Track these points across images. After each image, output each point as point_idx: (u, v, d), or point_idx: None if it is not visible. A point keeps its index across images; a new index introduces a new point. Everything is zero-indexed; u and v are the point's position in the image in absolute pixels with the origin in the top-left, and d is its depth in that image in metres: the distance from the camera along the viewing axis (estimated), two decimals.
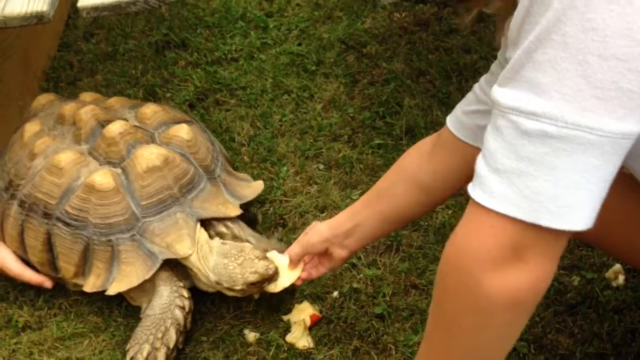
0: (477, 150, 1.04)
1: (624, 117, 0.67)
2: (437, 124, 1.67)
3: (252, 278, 1.25)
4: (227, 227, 1.39)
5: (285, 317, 1.36)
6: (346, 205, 1.56)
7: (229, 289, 1.28)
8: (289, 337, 1.32)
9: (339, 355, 1.30)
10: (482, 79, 1.07)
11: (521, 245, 0.70)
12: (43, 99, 1.63)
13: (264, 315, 1.37)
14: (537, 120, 0.68)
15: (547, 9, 0.68)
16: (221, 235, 1.38)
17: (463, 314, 0.76)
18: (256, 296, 1.34)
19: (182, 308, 1.28)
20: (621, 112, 0.67)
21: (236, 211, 1.39)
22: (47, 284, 1.41)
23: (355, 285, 1.40)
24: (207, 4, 2.14)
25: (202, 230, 1.35)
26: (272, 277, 1.25)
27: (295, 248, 1.26)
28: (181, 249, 1.30)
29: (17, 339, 1.37)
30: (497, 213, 0.70)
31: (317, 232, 1.23)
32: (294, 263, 1.27)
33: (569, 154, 0.68)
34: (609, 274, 1.37)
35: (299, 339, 1.31)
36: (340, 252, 1.22)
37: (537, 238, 0.70)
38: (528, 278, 0.71)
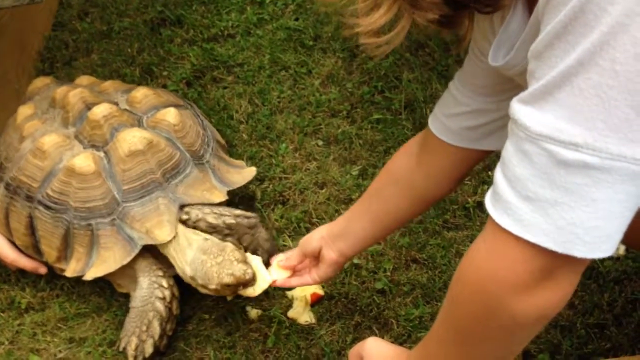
0: (467, 150, 1.03)
1: None
2: (436, 97, 1.66)
3: (228, 280, 1.21)
4: (203, 212, 1.35)
5: (288, 293, 1.36)
6: (346, 181, 1.57)
7: (202, 286, 1.25)
8: (291, 313, 1.33)
9: (340, 330, 1.31)
10: (456, 77, 1.02)
11: (552, 269, 0.68)
12: (39, 82, 1.62)
13: (266, 292, 1.37)
14: (577, 151, 0.64)
15: (592, 30, 0.62)
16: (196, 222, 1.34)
17: (484, 331, 0.74)
18: (229, 298, 1.32)
19: (163, 299, 1.27)
20: None
21: (221, 197, 1.37)
22: (42, 269, 1.42)
23: (356, 261, 1.41)
24: None
25: (181, 225, 1.32)
26: (248, 282, 1.22)
27: (294, 252, 1.25)
28: (160, 234, 1.29)
29: (20, 321, 1.38)
30: (527, 241, 0.67)
31: (316, 230, 1.23)
32: (288, 263, 1.24)
33: (611, 185, 0.64)
34: None
35: (301, 314, 1.32)
36: (330, 254, 1.19)
37: (567, 261, 0.68)
38: (558, 295, 0.70)
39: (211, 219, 1.33)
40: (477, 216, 1.46)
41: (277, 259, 1.26)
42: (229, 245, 1.25)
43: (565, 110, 0.64)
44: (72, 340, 1.34)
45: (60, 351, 1.32)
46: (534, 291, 0.69)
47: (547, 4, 0.67)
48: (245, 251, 1.31)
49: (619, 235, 0.68)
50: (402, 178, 1.11)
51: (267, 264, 1.28)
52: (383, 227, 1.17)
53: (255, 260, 1.26)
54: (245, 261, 1.23)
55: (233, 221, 1.34)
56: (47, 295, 1.42)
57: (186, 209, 1.34)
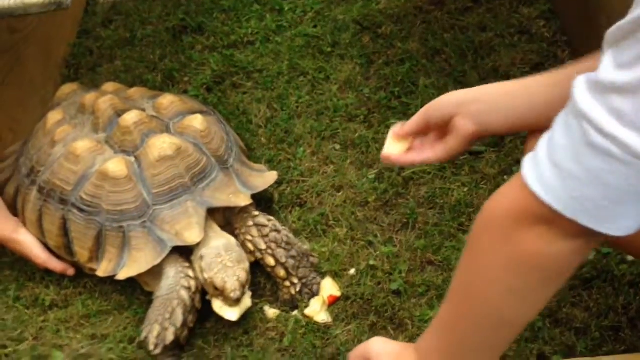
0: None
1: None
2: None
3: (218, 282, 1.28)
4: (268, 219, 1.41)
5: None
6: (362, 185, 1.59)
7: (200, 269, 1.32)
8: (308, 311, 1.35)
9: (356, 330, 1.33)
10: None
11: (554, 220, 0.75)
12: (67, 88, 1.66)
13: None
14: (606, 139, 0.69)
15: None
16: (260, 228, 1.39)
17: (493, 267, 0.80)
18: (213, 305, 1.33)
19: (188, 288, 1.31)
20: None
21: (247, 201, 1.41)
22: (70, 271, 1.46)
23: (372, 262, 1.43)
24: None
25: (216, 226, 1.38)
26: (231, 300, 1.27)
27: (415, 116, 1.07)
28: (189, 236, 1.33)
29: (45, 317, 1.42)
30: (539, 197, 0.74)
31: (448, 95, 1.04)
32: (406, 130, 1.07)
33: (627, 178, 0.69)
34: None
35: (318, 313, 1.34)
36: (465, 124, 1.00)
37: (570, 223, 0.74)
38: (557, 246, 0.76)
39: (284, 235, 1.39)
40: None
41: (393, 128, 1.10)
42: (245, 267, 1.32)
43: (609, 105, 0.68)
44: (94, 336, 1.37)
45: (82, 347, 1.36)
46: (534, 228, 0.75)
47: None
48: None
49: (629, 219, 0.72)
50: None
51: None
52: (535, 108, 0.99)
53: (248, 297, 1.32)
54: (243, 286, 1.29)
55: (300, 250, 1.39)
56: (71, 293, 1.45)
57: (261, 216, 1.40)
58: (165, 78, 1.89)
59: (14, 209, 1.50)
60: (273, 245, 1.37)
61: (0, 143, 1.64)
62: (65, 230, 1.42)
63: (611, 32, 0.70)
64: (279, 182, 1.59)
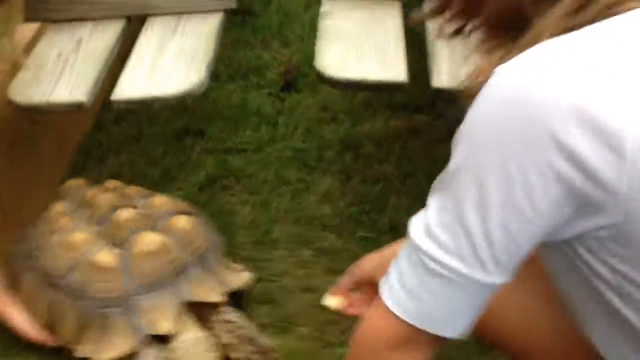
0: None
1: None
2: None
3: None
4: (236, 316, 1.56)
5: None
6: (330, 289, 1.75)
7: None
8: None
9: None
10: None
11: (416, 337, 0.90)
12: (72, 182, 1.84)
13: None
14: (437, 265, 0.87)
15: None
16: (226, 323, 1.54)
17: None
18: None
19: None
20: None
21: (220, 297, 1.56)
22: (50, 340, 1.58)
23: None
24: (227, 98, 2.41)
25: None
26: None
27: (344, 278, 1.29)
28: (162, 326, 1.49)
29: None
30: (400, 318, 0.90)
31: (368, 258, 1.25)
32: (339, 292, 1.30)
33: (460, 294, 0.87)
34: None
35: None
36: None
37: (426, 334, 0.90)
38: (419, 357, 0.92)
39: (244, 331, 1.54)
40: None
41: (329, 291, 1.32)
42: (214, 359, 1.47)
43: (440, 242, 0.86)
44: None
45: None
46: (403, 349, 0.90)
47: None
48: None
49: (465, 322, 0.90)
50: None
51: None
52: None
53: None
54: None
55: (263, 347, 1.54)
56: None
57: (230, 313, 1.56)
58: (163, 174, 2.09)
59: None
60: (236, 340, 1.52)
61: (7, 219, 1.82)
62: (52, 311, 1.57)
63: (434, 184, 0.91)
64: (253, 280, 1.76)
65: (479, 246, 0.84)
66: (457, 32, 0.95)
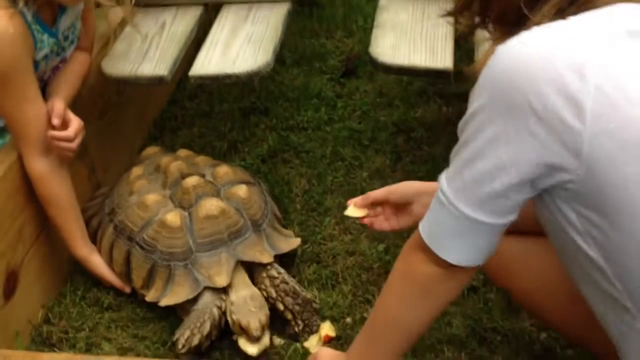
0: None
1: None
2: None
3: (243, 322, 1.59)
4: (279, 273, 1.73)
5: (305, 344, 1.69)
6: (371, 254, 1.92)
7: (230, 311, 1.63)
8: (306, 344, 1.67)
9: None
10: None
11: (426, 248, 1.09)
12: (150, 149, 2.07)
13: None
14: (443, 196, 1.07)
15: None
16: (272, 279, 1.72)
17: (394, 280, 1.16)
18: (239, 343, 1.63)
19: (219, 307, 1.65)
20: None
21: (269, 259, 1.73)
22: (126, 289, 1.82)
23: (365, 315, 1.73)
24: (291, 81, 2.59)
25: (246, 276, 1.71)
26: (252, 336, 1.58)
27: (378, 192, 1.44)
28: (218, 280, 1.67)
29: (101, 315, 1.78)
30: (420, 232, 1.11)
31: (408, 184, 1.42)
32: (364, 202, 1.44)
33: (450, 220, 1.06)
34: None
35: (314, 346, 1.65)
36: (420, 212, 1.32)
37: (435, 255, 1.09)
38: (431, 268, 1.10)
39: (291, 286, 1.72)
40: (470, 296, 1.77)
41: (354, 200, 1.46)
42: (266, 312, 1.64)
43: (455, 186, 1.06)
44: (136, 336, 1.72)
45: (126, 342, 1.71)
46: (418, 252, 1.10)
47: None
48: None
49: (457, 254, 1.07)
50: None
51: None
52: None
53: (267, 337, 1.63)
54: (263, 328, 1.61)
55: (305, 298, 1.71)
56: (124, 301, 1.82)
57: (276, 270, 1.73)
58: (230, 147, 2.30)
59: (93, 238, 1.88)
60: (282, 294, 1.70)
61: (94, 178, 2.07)
62: (128, 261, 1.80)
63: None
64: (304, 241, 1.94)
65: (475, 188, 1.01)
66: (475, 27, 1.15)
